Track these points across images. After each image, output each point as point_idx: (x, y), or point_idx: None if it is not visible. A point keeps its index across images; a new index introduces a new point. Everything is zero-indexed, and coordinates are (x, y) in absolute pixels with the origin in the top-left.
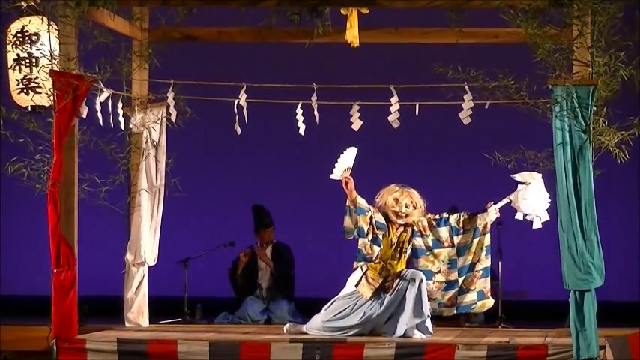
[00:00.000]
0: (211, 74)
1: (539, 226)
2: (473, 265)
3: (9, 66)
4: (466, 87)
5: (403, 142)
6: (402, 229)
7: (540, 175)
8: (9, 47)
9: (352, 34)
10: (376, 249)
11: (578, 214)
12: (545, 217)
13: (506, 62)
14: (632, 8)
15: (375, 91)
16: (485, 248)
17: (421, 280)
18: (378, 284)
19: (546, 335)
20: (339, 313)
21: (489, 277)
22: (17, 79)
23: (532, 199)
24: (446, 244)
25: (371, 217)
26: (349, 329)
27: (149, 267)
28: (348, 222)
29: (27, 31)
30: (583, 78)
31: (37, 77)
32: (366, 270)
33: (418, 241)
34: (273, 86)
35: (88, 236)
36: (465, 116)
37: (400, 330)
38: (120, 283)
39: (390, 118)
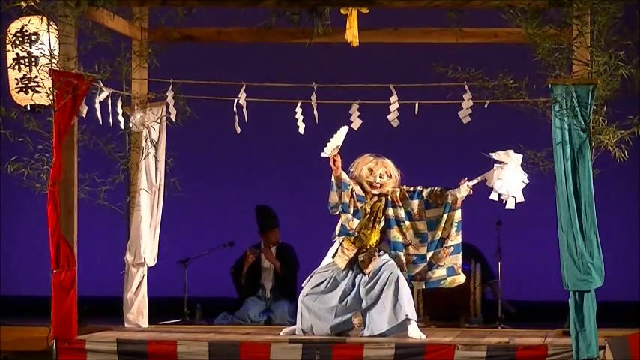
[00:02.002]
0: (211, 74)
1: (513, 207)
2: (443, 240)
3: (8, 65)
4: (466, 86)
5: (402, 141)
6: (375, 198)
7: (520, 155)
8: (8, 46)
9: (352, 34)
10: (356, 222)
11: (578, 214)
12: (520, 199)
13: (506, 62)
14: (632, 8)
15: (374, 91)
16: (455, 224)
17: (397, 281)
18: (352, 254)
19: (546, 335)
20: (316, 285)
21: (460, 254)
22: (17, 79)
23: (507, 179)
24: (417, 217)
25: (351, 191)
26: (331, 312)
27: (149, 267)
28: (333, 197)
29: (26, 31)
30: (582, 77)
31: (36, 76)
32: (342, 240)
33: (391, 212)
34: (272, 86)
35: (88, 236)
36: (464, 115)
37: (381, 328)
38: (120, 283)
39: (390, 117)
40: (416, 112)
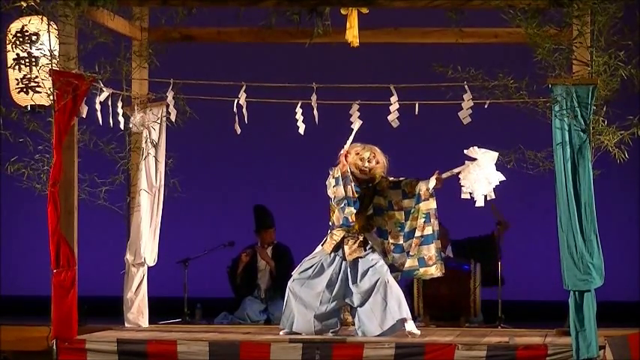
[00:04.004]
0: (211, 74)
1: (482, 204)
2: (414, 230)
3: (9, 65)
4: (466, 86)
5: (402, 141)
6: (364, 185)
7: (495, 153)
8: (9, 47)
9: (352, 34)
10: (353, 211)
11: (578, 214)
12: (491, 195)
13: (506, 62)
14: (632, 8)
15: (374, 91)
16: (424, 215)
17: (385, 285)
18: (339, 239)
19: (546, 335)
20: (304, 271)
21: (432, 245)
22: (17, 79)
23: (473, 176)
24: (396, 207)
25: (351, 182)
26: (317, 298)
27: (149, 267)
28: (339, 191)
29: (27, 31)
30: (583, 77)
31: (36, 77)
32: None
33: (378, 200)
34: (272, 86)
35: (88, 236)
36: (464, 116)
37: (373, 332)
38: (120, 283)
39: (390, 117)
40: (416, 113)
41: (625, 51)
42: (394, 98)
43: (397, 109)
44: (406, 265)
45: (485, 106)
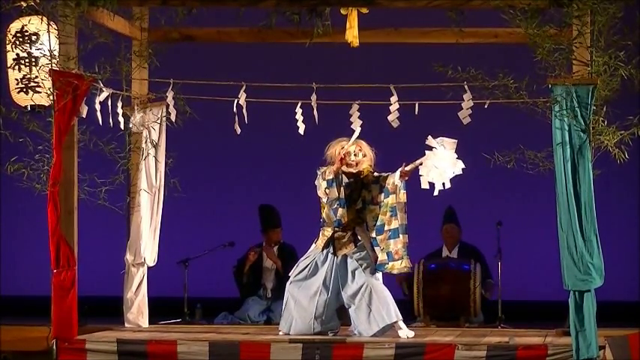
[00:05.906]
0: (211, 74)
1: (437, 193)
2: (384, 224)
3: (9, 65)
4: (466, 86)
5: (402, 141)
6: (352, 179)
7: (454, 141)
8: (8, 47)
9: (352, 34)
10: (345, 212)
11: (578, 215)
12: (447, 185)
13: (506, 62)
14: (632, 8)
15: (374, 91)
16: (390, 209)
17: (370, 293)
18: (330, 234)
19: (546, 335)
20: (299, 272)
21: (398, 239)
22: (17, 79)
23: (430, 165)
24: (374, 201)
25: (341, 180)
26: (314, 298)
27: (149, 267)
28: (333, 193)
29: (26, 31)
30: (583, 77)
31: (36, 77)
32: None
33: (364, 194)
34: (272, 86)
35: (88, 236)
36: (464, 116)
37: (366, 334)
38: (120, 283)
39: (390, 117)
40: (416, 113)
41: (625, 51)
42: (394, 98)
43: (397, 109)
44: (378, 259)
45: (485, 106)
